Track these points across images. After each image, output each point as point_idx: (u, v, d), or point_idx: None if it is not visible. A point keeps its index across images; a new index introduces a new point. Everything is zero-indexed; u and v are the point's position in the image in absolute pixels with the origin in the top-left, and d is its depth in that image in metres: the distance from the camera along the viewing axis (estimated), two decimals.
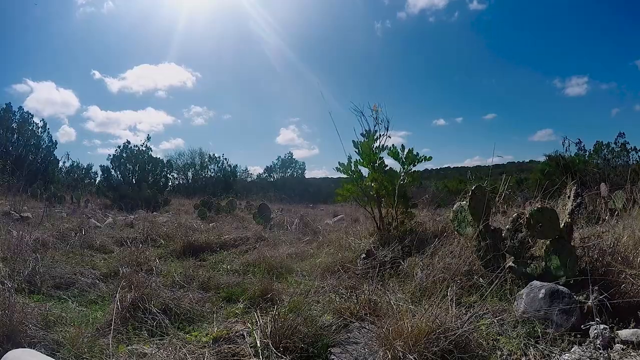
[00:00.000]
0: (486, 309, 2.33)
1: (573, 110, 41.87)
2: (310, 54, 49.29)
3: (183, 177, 29.85)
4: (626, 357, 1.86)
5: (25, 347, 1.84)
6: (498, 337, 2.06)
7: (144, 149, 17.82)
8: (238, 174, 31.28)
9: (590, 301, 2.18)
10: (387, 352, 1.86)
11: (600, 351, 1.91)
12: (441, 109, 53.88)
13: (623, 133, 12.78)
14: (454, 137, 48.81)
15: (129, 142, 17.75)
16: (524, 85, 46.04)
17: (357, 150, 4.40)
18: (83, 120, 41.47)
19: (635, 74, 35.93)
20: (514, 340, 2.03)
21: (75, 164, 23.84)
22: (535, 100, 45.28)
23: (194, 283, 3.30)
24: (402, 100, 44.36)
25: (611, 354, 1.88)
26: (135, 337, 2.17)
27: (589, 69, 41.46)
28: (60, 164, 21.31)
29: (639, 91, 38.74)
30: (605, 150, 12.87)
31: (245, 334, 2.23)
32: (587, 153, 12.90)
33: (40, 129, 19.91)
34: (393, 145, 4.41)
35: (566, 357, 1.88)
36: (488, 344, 1.98)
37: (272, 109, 50.98)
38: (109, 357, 1.88)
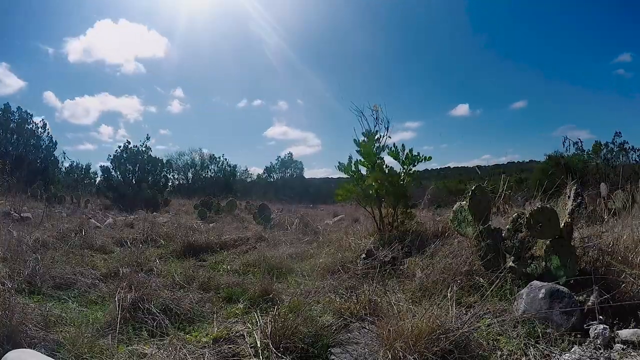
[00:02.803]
0: (486, 309, 2.33)
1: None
2: (309, 46, 48.47)
3: (183, 177, 29.89)
4: (626, 357, 1.86)
5: (25, 348, 1.84)
6: (498, 337, 2.06)
7: (143, 149, 17.85)
8: (238, 174, 31.35)
9: (590, 301, 2.18)
10: (387, 352, 1.86)
11: (601, 351, 1.91)
12: (465, 98, 51.28)
13: (619, 132, 12.82)
14: (472, 131, 47.04)
15: (129, 142, 17.80)
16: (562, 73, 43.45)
17: (358, 150, 4.41)
18: (46, 109, 35.97)
19: None
20: (514, 340, 2.03)
21: (74, 163, 23.87)
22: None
23: (194, 283, 3.29)
24: (414, 91, 42.83)
25: (611, 354, 1.88)
26: (136, 338, 2.17)
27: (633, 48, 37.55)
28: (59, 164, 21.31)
29: None
30: (604, 150, 12.90)
31: (245, 334, 2.23)
32: (585, 153, 12.93)
33: (40, 129, 19.95)
34: (394, 144, 4.42)
35: (566, 357, 1.88)
36: (488, 344, 1.98)
37: (268, 102, 49.40)
38: (109, 358, 1.88)
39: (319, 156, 41.65)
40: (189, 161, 29.86)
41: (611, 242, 2.77)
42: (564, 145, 12.25)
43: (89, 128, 41.09)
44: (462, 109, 46.05)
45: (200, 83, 49.43)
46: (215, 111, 50.05)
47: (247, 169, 32.71)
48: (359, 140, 4.40)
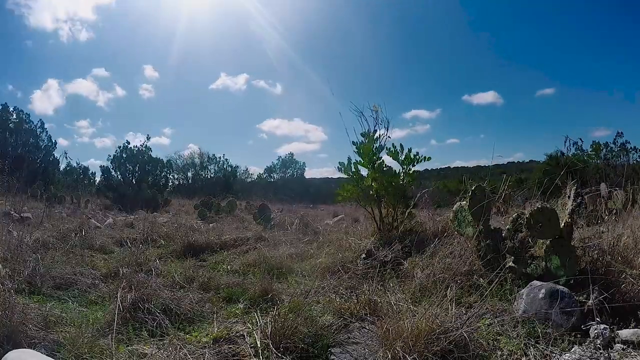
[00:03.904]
0: (486, 309, 2.33)
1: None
2: (310, 45, 47.84)
3: (183, 177, 29.92)
4: (626, 357, 1.86)
5: (25, 348, 1.84)
6: (498, 337, 2.06)
7: (143, 149, 17.87)
8: (238, 174, 31.37)
9: (590, 301, 2.18)
10: (387, 352, 1.86)
11: (601, 351, 1.91)
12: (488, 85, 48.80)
13: (621, 132, 12.83)
14: (488, 126, 45.56)
15: (128, 143, 17.86)
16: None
17: (356, 151, 4.41)
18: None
19: None
20: (514, 340, 2.03)
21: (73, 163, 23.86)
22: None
23: (194, 283, 3.29)
24: (414, 91, 41.83)
25: (611, 354, 1.88)
26: (136, 338, 2.17)
27: None
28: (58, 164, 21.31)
29: None
30: (604, 150, 12.91)
31: (245, 334, 2.24)
32: (585, 153, 12.94)
33: (39, 129, 19.96)
34: (393, 145, 4.42)
35: (566, 357, 1.88)
36: (488, 344, 1.98)
37: (266, 97, 48.22)
38: (109, 358, 1.88)
39: (320, 153, 41.27)
40: (188, 161, 29.91)
41: (611, 242, 2.76)
42: (565, 145, 12.25)
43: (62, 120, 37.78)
44: (482, 98, 44.23)
45: (182, 68, 47.19)
46: (210, 107, 49.29)
47: (247, 169, 32.75)
48: (357, 142, 4.40)
